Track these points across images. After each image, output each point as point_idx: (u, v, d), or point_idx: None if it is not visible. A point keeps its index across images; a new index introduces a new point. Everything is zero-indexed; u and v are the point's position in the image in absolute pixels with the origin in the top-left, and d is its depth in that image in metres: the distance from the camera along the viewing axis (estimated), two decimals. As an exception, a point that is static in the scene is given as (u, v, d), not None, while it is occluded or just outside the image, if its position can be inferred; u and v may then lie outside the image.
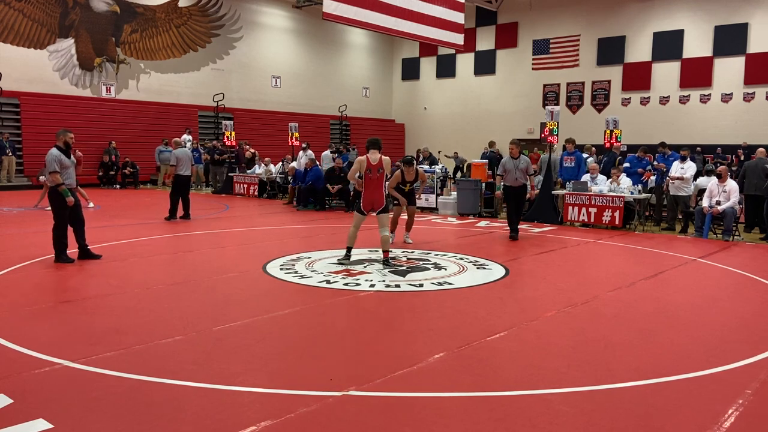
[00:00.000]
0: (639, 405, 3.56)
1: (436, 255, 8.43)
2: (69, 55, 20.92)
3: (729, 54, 22.25)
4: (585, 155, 14.69)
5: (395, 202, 9.36)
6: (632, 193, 11.57)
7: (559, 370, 4.09)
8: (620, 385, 3.85)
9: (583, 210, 11.72)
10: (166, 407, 3.42)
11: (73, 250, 7.69)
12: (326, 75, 29.01)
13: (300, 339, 4.78)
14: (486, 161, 14.78)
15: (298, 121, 19.40)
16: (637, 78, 24.32)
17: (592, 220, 11.63)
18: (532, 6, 26.25)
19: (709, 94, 22.88)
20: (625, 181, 11.89)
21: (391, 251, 7.87)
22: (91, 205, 13.02)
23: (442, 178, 14.90)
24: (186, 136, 21.81)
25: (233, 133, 19.46)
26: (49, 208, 7.60)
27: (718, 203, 10.35)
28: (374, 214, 7.73)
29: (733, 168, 17.56)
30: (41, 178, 7.46)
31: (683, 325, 5.29)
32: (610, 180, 12.08)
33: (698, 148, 20.51)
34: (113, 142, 20.64)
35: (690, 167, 11.48)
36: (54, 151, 7.41)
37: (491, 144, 18.13)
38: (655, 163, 12.93)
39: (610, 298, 6.23)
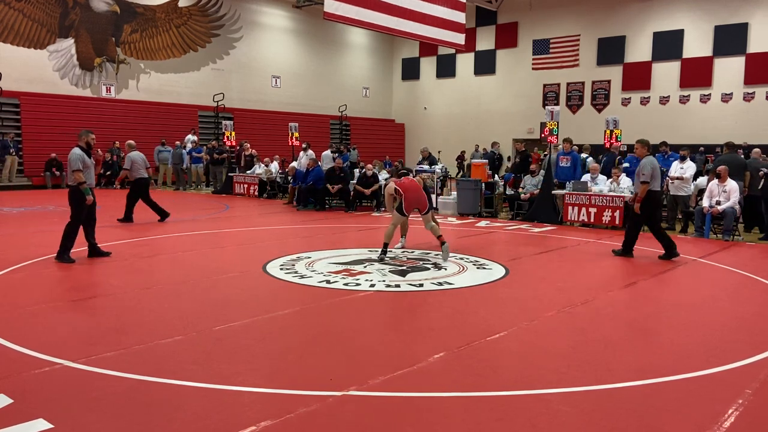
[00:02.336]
0: (639, 405, 3.56)
1: (436, 255, 8.42)
2: (69, 55, 20.93)
3: (729, 54, 22.25)
4: (584, 155, 14.70)
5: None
6: (632, 193, 11.55)
7: (559, 370, 4.09)
8: (620, 385, 3.85)
9: (583, 210, 11.72)
10: (166, 407, 3.42)
11: (78, 249, 7.68)
12: (326, 75, 29.01)
13: (300, 339, 4.78)
14: (486, 161, 14.78)
15: (298, 121, 19.40)
16: (637, 78, 24.32)
17: (592, 220, 11.63)
18: (532, 6, 26.25)
19: (709, 94, 22.87)
20: (625, 180, 11.88)
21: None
22: None
23: (441, 178, 14.90)
24: (190, 137, 21.81)
25: (233, 133, 19.47)
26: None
27: (718, 203, 10.35)
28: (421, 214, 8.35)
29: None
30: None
31: (683, 325, 5.29)
32: (610, 180, 12.07)
33: (701, 148, 20.50)
34: (117, 142, 20.59)
35: (690, 167, 11.48)
36: (77, 150, 7.65)
37: (494, 144, 18.11)
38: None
39: (610, 298, 6.22)
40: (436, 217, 9.38)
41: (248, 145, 19.25)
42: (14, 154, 18.73)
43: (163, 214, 11.57)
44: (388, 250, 8.10)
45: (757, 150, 11.59)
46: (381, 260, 7.85)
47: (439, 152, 22.07)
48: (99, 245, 7.91)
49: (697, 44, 22.92)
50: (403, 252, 8.62)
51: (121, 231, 10.20)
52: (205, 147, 21.85)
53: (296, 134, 18.46)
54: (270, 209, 14.63)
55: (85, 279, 6.77)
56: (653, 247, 9.28)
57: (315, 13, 24.05)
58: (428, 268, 7.50)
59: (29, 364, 4.04)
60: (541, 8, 26.29)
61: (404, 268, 7.50)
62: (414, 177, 8.77)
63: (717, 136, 22.16)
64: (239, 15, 25.42)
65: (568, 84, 26.13)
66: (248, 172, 18.39)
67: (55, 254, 7.55)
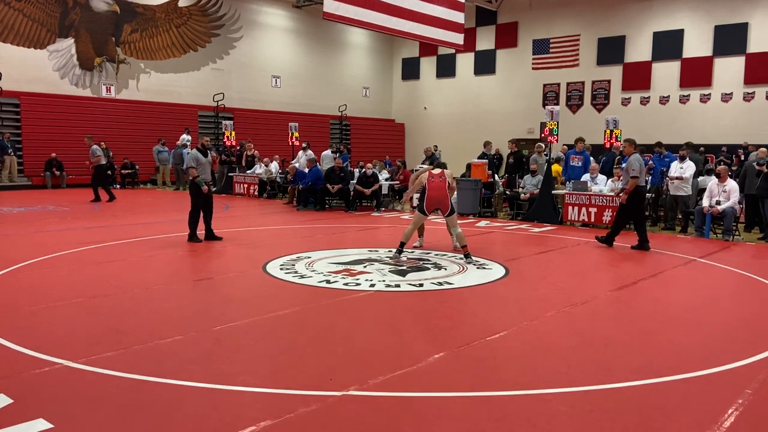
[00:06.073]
0: (639, 405, 3.56)
1: (436, 255, 8.43)
2: (69, 55, 20.92)
3: (729, 54, 22.23)
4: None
5: (413, 206, 9.37)
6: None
7: (559, 370, 4.09)
8: (620, 385, 3.85)
9: (583, 210, 11.72)
10: (166, 407, 3.42)
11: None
12: (326, 75, 29.00)
13: (300, 339, 4.78)
14: (486, 161, 14.77)
15: (298, 121, 19.39)
16: (637, 78, 24.30)
17: (592, 220, 11.63)
18: (532, 6, 26.24)
19: (709, 94, 22.86)
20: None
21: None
22: None
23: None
24: (185, 137, 21.75)
25: (233, 133, 19.45)
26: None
27: (718, 203, 10.36)
28: (442, 217, 8.37)
29: (734, 168, 17.55)
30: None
31: (683, 325, 5.29)
32: (611, 180, 12.07)
33: (701, 148, 20.46)
34: (103, 143, 20.43)
35: (689, 167, 11.47)
36: (194, 152, 9.36)
37: (485, 144, 18.05)
38: (650, 163, 12.94)
39: (610, 298, 6.22)
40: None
41: (251, 145, 19.20)
42: (12, 154, 18.70)
43: None
44: (404, 249, 8.04)
45: (763, 149, 11.50)
46: (396, 258, 7.83)
47: (438, 151, 22.08)
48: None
49: (697, 44, 22.91)
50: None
51: (121, 231, 10.19)
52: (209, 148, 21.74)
53: (296, 134, 18.46)
54: (270, 209, 14.63)
55: (84, 279, 6.76)
56: (657, 247, 9.29)
57: (315, 13, 24.04)
58: (428, 268, 7.50)
59: (29, 364, 4.04)
60: (541, 8, 26.27)
61: (404, 268, 7.50)
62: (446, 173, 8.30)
63: (717, 136, 22.17)
64: (239, 15, 25.41)
65: (568, 84, 26.11)
66: (248, 172, 18.38)
67: (187, 238, 9.14)
